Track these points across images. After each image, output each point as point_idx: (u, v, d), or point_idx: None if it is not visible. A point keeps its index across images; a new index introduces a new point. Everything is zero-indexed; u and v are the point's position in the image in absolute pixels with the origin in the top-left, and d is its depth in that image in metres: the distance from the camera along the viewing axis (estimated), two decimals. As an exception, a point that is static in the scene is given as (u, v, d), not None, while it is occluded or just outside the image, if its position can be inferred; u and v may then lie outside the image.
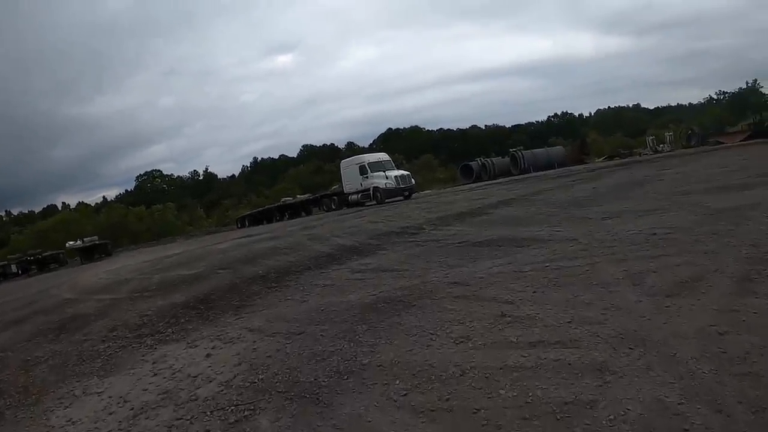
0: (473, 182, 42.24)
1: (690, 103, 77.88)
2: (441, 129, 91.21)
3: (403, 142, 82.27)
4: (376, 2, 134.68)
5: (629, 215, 8.70)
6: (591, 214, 9.50)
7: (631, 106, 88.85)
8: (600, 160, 45.91)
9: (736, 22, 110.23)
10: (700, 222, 7.43)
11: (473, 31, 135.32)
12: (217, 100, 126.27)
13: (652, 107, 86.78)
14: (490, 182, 37.71)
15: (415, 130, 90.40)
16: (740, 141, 32.74)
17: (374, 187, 29.27)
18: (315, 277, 8.14)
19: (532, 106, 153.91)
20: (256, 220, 41.37)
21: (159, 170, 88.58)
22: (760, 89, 55.00)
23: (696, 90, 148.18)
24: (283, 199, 42.53)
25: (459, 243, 8.50)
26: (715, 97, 64.07)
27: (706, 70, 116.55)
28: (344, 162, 34.18)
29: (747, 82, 58.91)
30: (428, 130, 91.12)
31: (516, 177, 37.92)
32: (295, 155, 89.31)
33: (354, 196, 31.10)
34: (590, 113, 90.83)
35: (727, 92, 61.97)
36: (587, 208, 10.38)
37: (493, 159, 47.83)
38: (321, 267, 8.95)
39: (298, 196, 41.88)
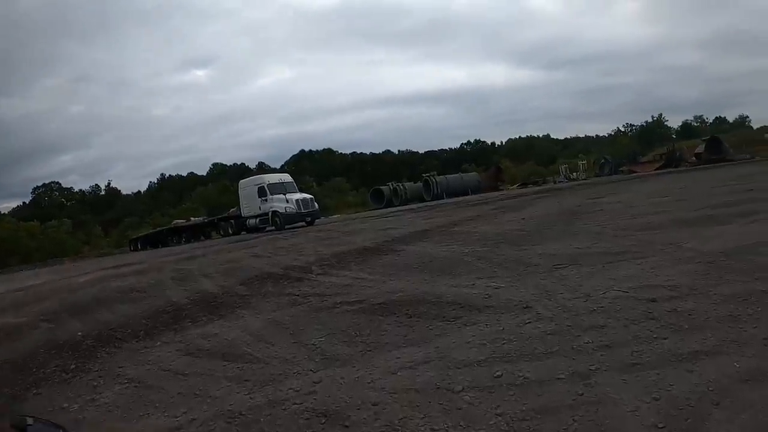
0: (384, 207, 39.92)
1: (597, 135, 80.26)
2: (354, 152, 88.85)
3: (316, 165, 79.59)
4: (294, 23, 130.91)
5: (591, 262, 6.19)
6: (534, 257, 6.95)
7: (541, 136, 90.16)
8: (514, 187, 45.00)
9: (642, 61, 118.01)
10: (707, 276, 5.02)
11: (390, 57, 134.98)
12: (129, 111, 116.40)
13: (561, 138, 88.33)
14: (401, 208, 35.35)
15: (328, 153, 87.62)
16: (654, 170, 32.52)
17: (273, 211, 26.05)
18: (130, 358, 5.26)
19: (446, 133, 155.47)
20: (151, 242, 36.87)
21: (58, 182, 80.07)
22: (665, 122, 59.08)
23: (604, 123, 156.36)
24: (174, 222, 38.27)
25: (351, 304, 5.62)
26: (622, 129, 66.64)
27: (613, 105, 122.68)
28: (243, 182, 30.70)
29: (652, 116, 62.73)
30: (341, 153, 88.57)
31: (429, 203, 35.87)
32: (204, 173, 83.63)
33: (252, 221, 27.76)
34: (502, 142, 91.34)
35: (633, 125, 64.85)
36: (526, 247, 7.85)
37: (405, 184, 45.95)
38: (152, 334, 6.04)
39: (191, 218, 37.83)
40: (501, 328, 4.04)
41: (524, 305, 4.60)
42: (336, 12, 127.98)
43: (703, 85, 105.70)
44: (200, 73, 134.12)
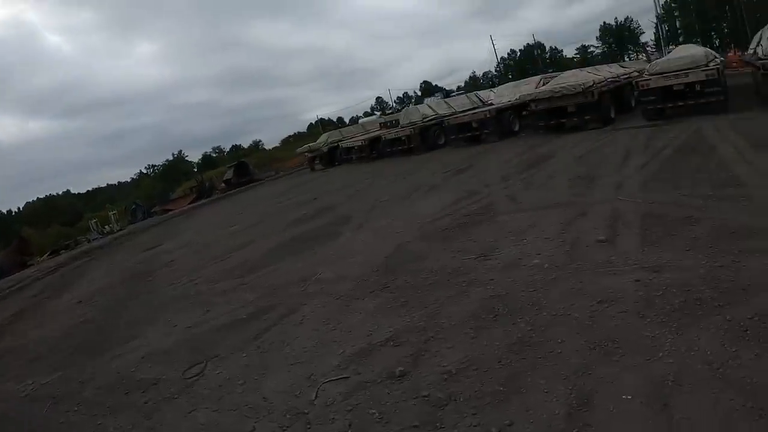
0: None
1: (120, 182, 76.87)
2: None
3: None
4: None
5: (232, 345, 4.25)
6: (134, 364, 4.56)
7: (61, 193, 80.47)
8: (44, 258, 38.16)
9: (159, 101, 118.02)
10: (397, 309, 3.80)
11: None
12: None
13: (83, 191, 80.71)
14: None
15: None
16: (189, 204, 31.69)
17: None
18: None
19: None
20: None
21: None
22: (186, 158, 61.90)
23: (125, 168, 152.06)
24: None
25: None
26: (145, 171, 65.85)
27: (133, 148, 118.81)
28: None
29: (173, 154, 64.33)
30: None
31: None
32: None
33: None
34: (19, 208, 77.79)
35: (156, 165, 64.86)
36: (113, 349, 5.20)
37: None
38: None
39: None
40: None
41: None
42: None
43: (218, 119, 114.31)
44: None
